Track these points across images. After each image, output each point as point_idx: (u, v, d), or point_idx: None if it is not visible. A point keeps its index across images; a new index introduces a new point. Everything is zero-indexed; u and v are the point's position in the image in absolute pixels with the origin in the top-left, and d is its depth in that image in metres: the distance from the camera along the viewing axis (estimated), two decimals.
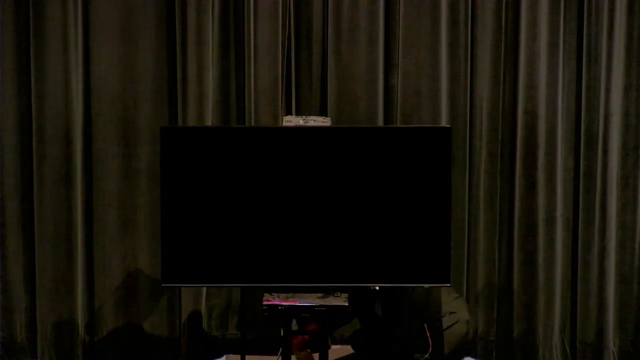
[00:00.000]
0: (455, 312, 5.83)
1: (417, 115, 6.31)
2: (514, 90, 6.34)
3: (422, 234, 5.35)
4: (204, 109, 6.29)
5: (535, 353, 6.29)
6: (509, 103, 6.36)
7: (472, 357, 6.20)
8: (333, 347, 6.08)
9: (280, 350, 5.51)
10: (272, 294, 5.48)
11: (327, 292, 5.52)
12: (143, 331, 6.42)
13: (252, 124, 6.25)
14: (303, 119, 5.84)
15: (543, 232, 6.33)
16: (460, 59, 6.32)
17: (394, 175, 5.54)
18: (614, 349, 6.39)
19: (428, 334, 5.72)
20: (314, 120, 5.86)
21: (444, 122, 6.25)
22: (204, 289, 6.37)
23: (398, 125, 6.26)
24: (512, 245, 6.22)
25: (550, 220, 6.35)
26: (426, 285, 5.56)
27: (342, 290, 5.47)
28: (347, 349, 6.24)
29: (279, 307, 5.42)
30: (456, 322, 5.77)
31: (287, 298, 5.43)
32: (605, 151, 6.32)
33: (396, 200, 5.49)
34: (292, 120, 5.83)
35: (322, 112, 6.33)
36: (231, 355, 6.24)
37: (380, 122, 6.31)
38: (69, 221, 6.32)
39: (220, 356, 6.41)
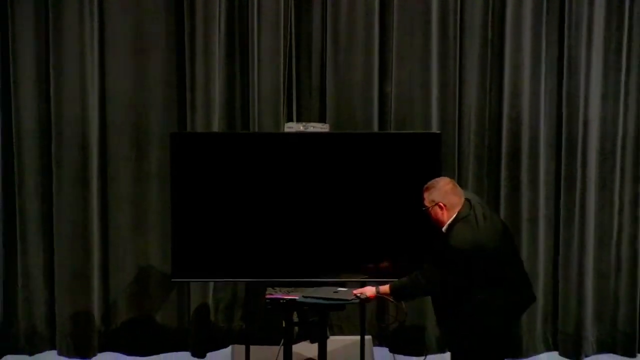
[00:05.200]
0: None
1: (410, 121, 6.34)
2: (500, 99, 6.39)
3: (413, 231, 5.30)
4: (211, 116, 6.32)
5: (520, 342, 6.34)
6: (495, 110, 6.40)
7: None
8: (331, 337, 6.00)
9: (282, 340, 5.51)
10: (275, 288, 5.50)
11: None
12: (154, 322, 6.50)
13: (256, 129, 6.27)
14: (303, 125, 5.84)
15: (526, 230, 6.40)
16: (449, 69, 6.35)
17: (388, 178, 5.53)
18: (592, 339, 6.48)
19: (404, 308, 5.57)
20: (314, 127, 5.85)
21: (434, 128, 6.27)
22: (211, 283, 6.42)
23: (392, 131, 6.30)
24: None
25: (533, 220, 6.40)
26: None
27: (338, 284, 5.48)
28: (345, 339, 6.23)
29: (281, 301, 5.44)
30: None
31: (289, 292, 5.43)
32: (585, 155, 6.40)
33: (389, 201, 5.46)
34: (293, 127, 5.86)
35: (321, 119, 6.36)
36: (236, 346, 6.24)
37: (375, 128, 6.33)
38: (85, 221, 6.34)
39: (226, 346, 6.45)
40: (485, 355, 4.94)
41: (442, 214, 4.92)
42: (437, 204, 4.92)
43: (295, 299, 5.55)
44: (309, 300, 5.47)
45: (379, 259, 5.62)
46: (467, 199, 5.00)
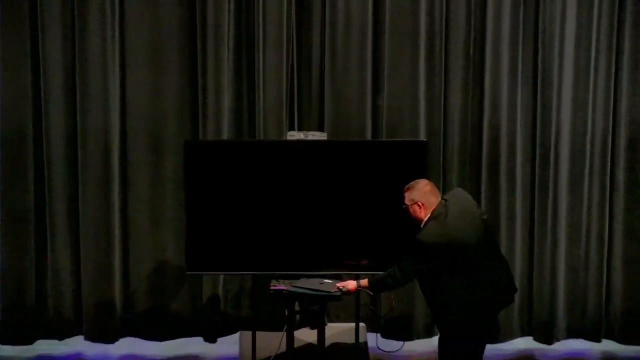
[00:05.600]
0: None
1: (400, 130, 6.42)
2: (480, 110, 6.48)
3: (402, 229, 5.28)
4: (221, 125, 6.41)
5: (498, 330, 6.38)
6: (476, 120, 6.50)
7: None
8: (329, 324, 6.09)
9: (285, 327, 5.61)
10: (279, 280, 5.59)
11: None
12: (170, 311, 6.60)
13: (261, 137, 6.36)
14: (304, 134, 5.95)
15: (505, 228, 6.48)
16: (435, 83, 6.42)
17: (380, 181, 5.59)
18: (563, 325, 6.58)
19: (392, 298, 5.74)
20: (313, 135, 5.95)
21: (422, 136, 6.37)
22: (221, 276, 6.51)
23: (383, 139, 6.38)
24: None
25: (511, 219, 6.51)
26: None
27: (335, 277, 5.54)
28: (342, 326, 6.27)
29: (284, 292, 5.51)
30: None
31: (291, 284, 5.53)
32: (557, 161, 6.48)
33: (381, 203, 5.51)
34: (294, 135, 5.97)
35: (320, 128, 6.45)
36: (244, 331, 6.25)
37: (368, 136, 6.42)
38: (107, 220, 6.45)
39: (235, 332, 6.53)
40: (462, 341, 4.96)
41: (420, 211, 4.97)
42: (415, 202, 4.98)
43: (297, 290, 5.49)
44: (297, 290, 5.52)
45: (370, 255, 5.66)
46: (444, 199, 5.04)
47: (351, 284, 5.27)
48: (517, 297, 6.35)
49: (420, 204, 4.94)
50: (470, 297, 4.85)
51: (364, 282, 5.21)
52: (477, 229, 4.93)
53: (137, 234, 6.57)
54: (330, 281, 5.56)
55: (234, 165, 5.81)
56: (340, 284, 5.33)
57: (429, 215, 4.94)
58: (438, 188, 5.52)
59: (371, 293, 5.32)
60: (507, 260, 5.34)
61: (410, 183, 5.04)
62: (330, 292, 5.41)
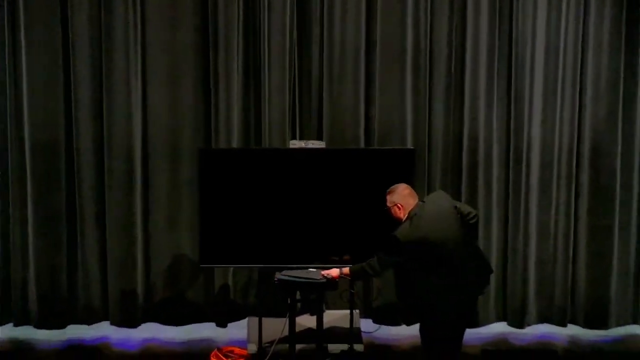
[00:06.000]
0: None
1: (389, 139, 6.56)
2: (460, 122, 6.62)
3: (393, 227, 5.15)
4: (231, 135, 6.55)
5: (477, 316, 6.64)
6: (457, 131, 6.63)
7: None
8: (327, 311, 6.25)
9: (288, 313, 5.75)
10: (282, 272, 5.73)
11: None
12: (185, 300, 6.73)
13: (267, 145, 6.50)
14: (304, 142, 6.12)
15: (482, 227, 6.60)
16: (421, 97, 6.57)
17: (372, 184, 5.70)
18: (533, 312, 6.76)
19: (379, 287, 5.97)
20: (313, 143, 6.12)
21: (409, 145, 6.50)
22: (231, 268, 6.62)
23: (375, 147, 6.51)
24: None
25: (488, 218, 6.67)
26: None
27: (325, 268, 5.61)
28: (338, 313, 6.36)
29: (276, 280, 5.71)
30: None
31: (280, 274, 5.72)
32: (528, 166, 6.64)
33: (373, 204, 5.49)
34: (296, 143, 6.13)
35: (319, 137, 6.58)
36: (251, 317, 6.38)
37: (362, 145, 6.56)
38: (130, 219, 6.59)
39: (243, 318, 6.67)
40: (436, 327, 5.02)
41: (400, 212, 5.04)
42: (396, 204, 5.07)
43: (286, 278, 5.63)
44: (286, 278, 5.63)
45: (360, 249, 5.71)
46: (422, 201, 5.07)
47: (335, 272, 5.42)
48: (492, 286, 6.56)
49: (399, 205, 5.05)
50: (442, 288, 4.90)
51: (346, 270, 5.35)
52: (451, 227, 4.98)
53: (157, 232, 6.65)
54: (314, 270, 5.66)
55: (242, 170, 5.95)
56: (325, 272, 5.47)
57: (406, 216, 5.03)
58: (423, 191, 5.69)
59: (352, 280, 5.50)
60: (482, 250, 5.47)
61: (391, 187, 5.13)
62: (316, 279, 5.53)
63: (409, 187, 5.17)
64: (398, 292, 5.11)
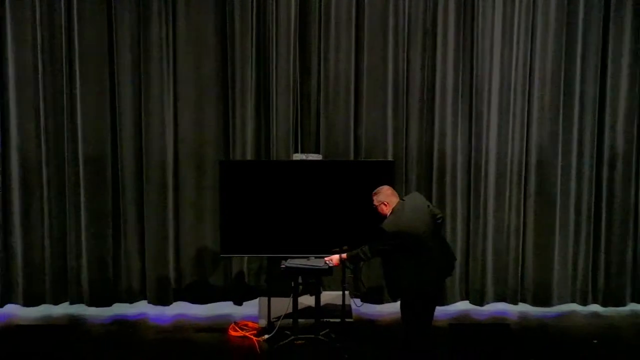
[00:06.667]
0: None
1: (374, 152, 7.09)
2: (431, 138, 7.15)
3: (376, 223, 5.54)
4: (245, 149, 7.08)
5: (444, 297, 7.19)
6: (428, 145, 7.17)
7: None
8: (324, 292, 6.65)
9: (292, 294, 6.23)
10: (287, 260, 6.18)
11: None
12: (208, 283, 7.23)
13: (274, 158, 7.04)
14: (305, 155, 6.58)
15: (449, 223, 7.22)
16: (399, 117, 7.11)
17: (360, 189, 5.96)
18: (491, 293, 7.33)
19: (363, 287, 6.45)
20: (312, 156, 6.59)
21: (389, 157, 7.03)
22: (246, 257, 7.10)
23: (362, 159, 7.04)
24: None
25: (453, 217, 7.23)
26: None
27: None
28: (333, 294, 6.72)
29: (282, 268, 6.15)
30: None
31: (286, 262, 6.18)
32: (487, 175, 7.20)
33: (360, 206, 5.87)
34: (298, 156, 6.60)
35: (317, 151, 7.06)
36: (262, 297, 6.72)
37: (351, 157, 7.08)
38: (164, 217, 7.13)
39: (255, 298, 7.11)
40: (412, 303, 5.42)
41: (386, 209, 5.43)
42: (382, 202, 5.46)
43: (293, 266, 5.97)
44: (291, 265, 5.95)
45: (351, 240, 5.95)
46: (402, 199, 5.45)
47: (335, 259, 5.78)
48: (457, 271, 6.99)
49: (385, 203, 5.46)
50: (419, 269, 5.33)
51: (344, 256, 5.74)
52: (424, 221, 5.41)
53: (185, 228, 7.11)
54: (316, 258, 5.95)
55: (255, 178, 6.33)
56: (327, 259, 5.82)
57: (390, 211, 5.46)
58: (401, 194, 6.03)
59: (349, 265, 5.88)
60: (449, 243, 5.93)
61: (377, 189, 5.56)
62: (319, 266, 5.89)
63: (390, 187, 5.62)
64: (384, 273, 5.51)
